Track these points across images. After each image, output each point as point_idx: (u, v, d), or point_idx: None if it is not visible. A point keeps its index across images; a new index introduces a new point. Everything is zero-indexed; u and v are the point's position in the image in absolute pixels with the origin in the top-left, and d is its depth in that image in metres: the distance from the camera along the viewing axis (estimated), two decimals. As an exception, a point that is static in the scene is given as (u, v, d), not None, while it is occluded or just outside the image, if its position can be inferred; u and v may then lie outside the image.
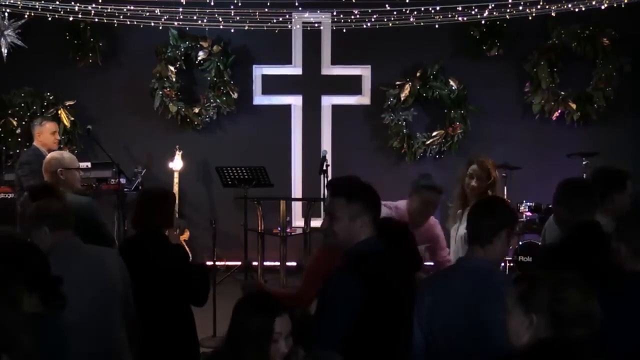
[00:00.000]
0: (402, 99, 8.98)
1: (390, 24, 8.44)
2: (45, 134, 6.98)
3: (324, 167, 6.85)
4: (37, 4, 8.05)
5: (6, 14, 8.59)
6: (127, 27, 8.68)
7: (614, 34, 8.81)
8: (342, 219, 3.23)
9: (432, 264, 5.03)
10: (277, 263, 8.19)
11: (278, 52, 9.25)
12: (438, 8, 8.36)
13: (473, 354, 2.96)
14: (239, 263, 8.11)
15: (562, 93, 8.96)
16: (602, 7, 8.12)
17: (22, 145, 8.86)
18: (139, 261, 4.15)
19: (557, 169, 8.66)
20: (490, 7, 8.24)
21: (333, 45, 9.22)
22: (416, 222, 4.77)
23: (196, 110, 9.06)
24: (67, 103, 9.03)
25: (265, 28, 8.68)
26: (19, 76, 8.94)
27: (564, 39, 8.88)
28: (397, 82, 9.02)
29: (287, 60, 9.28)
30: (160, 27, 8.63)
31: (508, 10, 8.21)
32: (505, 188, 7.65)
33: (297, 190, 9.27)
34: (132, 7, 8.26)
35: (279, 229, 8.16)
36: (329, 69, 9.30)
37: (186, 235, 8.72)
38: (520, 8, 8.15)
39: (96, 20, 8.43)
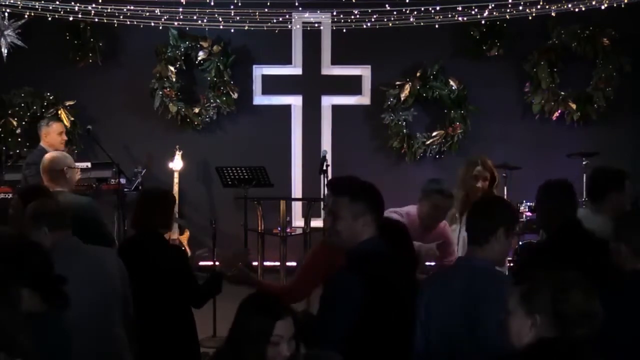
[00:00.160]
0: (402, 99, 8.98)
1: (390, 24, 8.44)
2: (52, 134, 6.98)
3: (324, 167, 6.85)
4: (37, 4, 8.05)
5: (6, 14, 8.59)
6: (127, 27, 8.68)
7: (614, 34, 8.81)
8: (345, 218, 3.24)
9: (433, 264, 5.04)
10: (277, 263, 8.18)
11: (278, 52, 9.25)
12: (438, 8, 8.36)
13: (469, 354, 2.96)
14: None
15: (562, 93, 8.96)
16: (602, 7, 8.12)
17: (22, 145, 8.86)
18: (138, 261, 4.15)
19: (557, 169, 8.63)
20: (490, 7, 8.24)
21: (333, 45, 9.22)
22: (427, 227, 4.79)
23: (196, 110, 9.06)
24: (67, 103, 9.03)
25: (265, 28, 8.68)
26: (19, 76, 8.94)
27: (564, 39, 8.88)
28: (397, 82, 9.02)
29: (287, 60, 9.28)
30: (160, 27, 8.63)
31: (508, 10, 8.21)
32: (505, 188, 7.65)
33: (297, 190, 9.27)
34: (132, 7, 8.26)
35: (279, 229, 8.15)
36: (329, 69, 9.30)
37: (186, 235, 8.73)
38: (520, 8, 8.16)
39: (96, 20, 8.43)
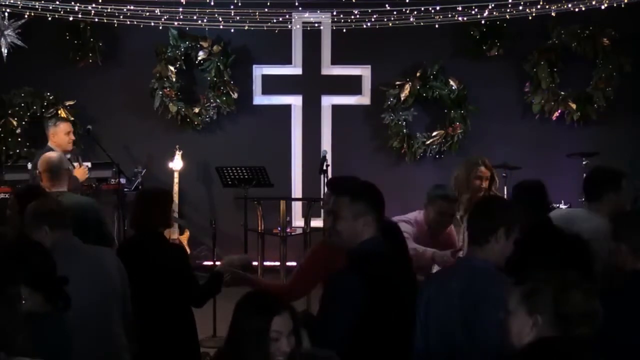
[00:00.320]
0: (402, 99, 8.98)
1: (390, 24, 8.44)
2: (59, 134, 6.98)
3: (324, 167, 6.85)
4: (37, 4, 8.05)
5: (6, 14, 8.59)
6: (127, 27, 8.68)
7: (614, 34, 8.81)
8: (346, 218, 3.24)
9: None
10: (277, 263, 8.18)
11: (278, 52, 9.25)
12: (438, 8, 8.36)
13: (469, 354, 2.96)
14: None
15: (562, 93, 8.96)
16: (602, 7, 8.12)
17: (22, 145, 8.87)
18: (139, 261, 4.16)
19: (557, 169, 8.68)
20: (490, 7, 8.24)
21: (333, 45, 9.22)
22: (435, 232, 4.80)
23: (196, 110, 9.06)
24: (67, 103, 9.03)
25: (265, 28, 8.68)
26: (19, 76, 8.94)
27: (564, 39, 8.89)
28: (397, 82, 9.02)
29: (287, 60, 9.28)
30: (160, 27, 8.63)
31: (508, 10, 8.21)
32: (505, 188, 7.65)
33: (297, 190, 9.27)
34: (132, 7, 8.26)
35: (279, 229, 8.14)
36: (329, 69, 9.30)
37: (186, 235, 8.73)
38: (520, 8, 8.16)
39: (96, 20, 8.43)
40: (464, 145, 8.96)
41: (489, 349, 2.76)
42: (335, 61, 9.27)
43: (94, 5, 8.20)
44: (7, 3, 8.09)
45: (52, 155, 5.30)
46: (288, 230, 8.25)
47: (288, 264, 7.97)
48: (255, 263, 7.97)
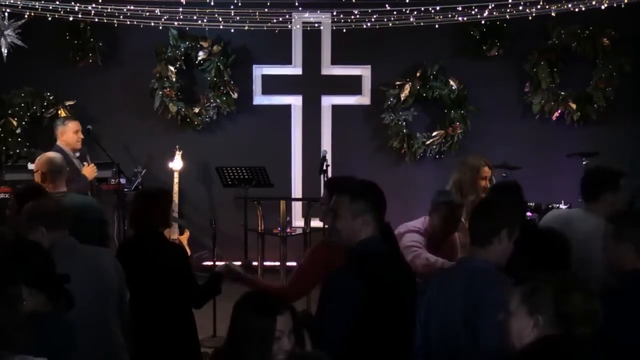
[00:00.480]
0: (402, 99, 8.98)
1: (390, 24, 8.44)
2: (68, 133, 6.98)
3: (324, 167, 6.85)
4: (37, 4, 8.04)
5: (6, 14, 8.58)
6: (127, 27, 8.68)
7: (614, 34, 8.81)
8: (345, 217, 3.24)
9: None
10: (277, 263, 8.18)
11: (278, 52, 9.25)
12: (438, 8, 8.36)
13: (469, 354, 2.96)
14: (239, 263, 8.09)
15: (562, 93, 8.96)
16: (602, 7, 8.12)
17: (22, 145, 8.87)
18: (138, 261, 4.16)
19: (557, 169, 8.69)
20: (490, 7, 8.24)
21: (333, 45, 9.22)
22: (439, 239, 4.79)
23: (196, 110, 9.06)
24: (67, 103, 9.02)
25: (265, 28, 8.68)
26: (19, 76, 8.94)
27: (564, 39, 8.89)
28: (397, 82, 9.02)
29: (287, 60, 9.28)
30: (160, 27, 8.63)
31: (508, 10, 8.21)
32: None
33: (297, 190, 9.27)
34: (132, 7, 8.25)
35: (279, 229, 8.14)
36: (329, 69, 9.30)
37: (186, 235, 8.73)
38: (520, 8, 8.15)
39: (96, 20, 8.43)
40: (464, 145, 8.96)
41: (490, 349, 2.76)
42: (335, 61, 9.26)
43: (94, 5, 8.20)
44: (7, 3, 8.09)
45: (53, 155, 5.30)
46: (288, 230, 8.25)
47: (288, 264, 7.97)
48: (255, 263, 7.99)
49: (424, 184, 8.91)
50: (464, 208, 4.92)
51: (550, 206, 7.61)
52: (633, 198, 4.50)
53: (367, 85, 9.25)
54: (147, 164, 9.02)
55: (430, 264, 4.50)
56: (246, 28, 8.63)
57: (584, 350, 2.24)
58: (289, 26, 8.93)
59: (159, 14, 8.35)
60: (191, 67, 9.24)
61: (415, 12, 8.35)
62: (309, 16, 9.01)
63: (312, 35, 9.15)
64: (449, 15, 8.38)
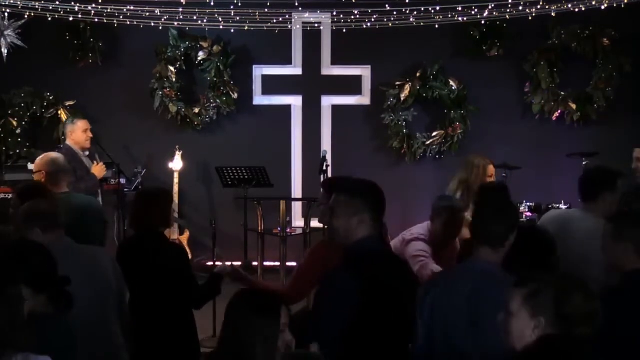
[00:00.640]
0: (402, 99, 8.98)
1: (390, 24, 8.44)
2: (77, 132, 6.98)
3: (324, 167, 6.84)
4: (37, 4, 8.04)
5: (6, 14, 8.58)
6: (127, 27, 8.68)
7: (614, 34, 8.81)
8: (342, 215, 3.25)
9: None
10: (277, 263, 8.19)
11: (278, 52, 9.25)
12: (438, 8, 8.36)
13: (473, 355, 2.95)
14: (239, 263, 8.09)
15: (562, 93, 8.96)
16: (602, 7, 8.11)
17: (22, 145, 8.87)
18: (138, 261, 4.16)
19: (557, 169, 8.69)
20: (490, 7, 8.24)
21: (333, 45, 9.22)
22: (441, 245, 4.77)
23: (196, 110, 9.06)
24: (67, 103, 9.02)
25: (265, 28, 8.68)
26: (19, 76, 8.94)
27: (564, 39, 8.89)
28: (397, 82, 9.02)
29: (287, 61, 9.28)
30: (160, 27, 8.63)
31: (508, 10, 8.21)
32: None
33: (297, 190, 9.27)
34: (132, 7, 8.25)
35: (279, 229, 8.15)
36: (329, 69, 9.30)
37: (186, 235, 8.73)
38: (520, 8, 8.15)
39: (96, 20, 8.43)
40: (464, 145, 8.96)
41: (496, 350, 2.75)
42: (335, 61, 9.27)
43: (94, 5, 8.20)
44: (7, 3, 8.08)
45: (56, 156, 5.28)
46: (288, 230, 8.26)
47: (288, 264, 7.97)
48: (255, 263, 7.99)
49: (424, 184, 8.92)
50: (465, 211, 4.91)
51: (550, 206, 7.61)
52: (626, 198, 4.50)
53: (367, 85, 9.25)
54: (147, 164, 9.02)
55: (435, 275, 4.48)
56: (246, 28, 8.63)
57: (584, 350, 2.25)
58: (289, 26, 8.93)
59: (159, 14, 8.34)
60: (191, 67, 9.23)
61: (415, 12, 8.35)
62: (309, 16, 9.01)
63: (312, 36, 9.15)
64: (449, 15, 8.38)
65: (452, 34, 8.98)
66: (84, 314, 3.38)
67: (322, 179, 6.77)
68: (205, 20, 8.53)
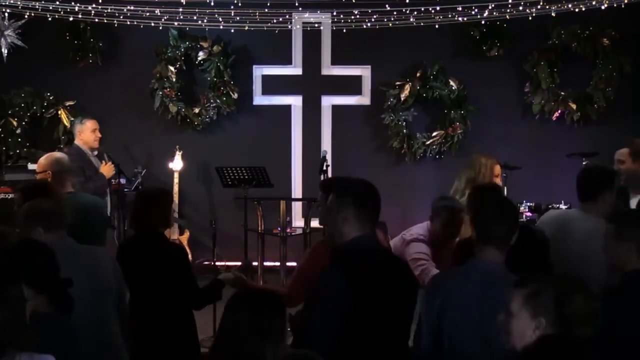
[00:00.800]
0: (402, 99, 8.98)
1: (390, 24, 8.44)
2: (86, 132, 7.01)
3: (324, 167, 6.84)
4: (37, 4, 8.04)
5: (6, 14, 8.58)
6: (127, 27, 8.68)
7: (614, 34, 8.81)
8: (334, 215, 3.26)
9: None
10: (277, 263, 8.18)
11: (278, 52, 9.25)
12: (438, 8, 8.36)
13: (484, 356, 2.94)
14: (239, 263, 8.09)
15: (562, 93, 8.96)
16: (602, 7, 8.11)
17: (22, 145, 8.87)
18: (138, 261, 4.16)
19: (557, 169, 8.69)
20: (490, 7, 8.24)
21: (333, 46, 9.22)
22: (442, 244, 4.77)
23: (196, 110, 9.06)
24: (67, 103, 9.02)
25: (265, 28, 8.68)
26: (19, 76, 8.94)
27: (564, 39, 8.89)
28: (397, 82, 9.02)
29: (287, 61, 9.28)
30: (160, 27, 8.62)
31: (508, 10, 8.21)
32: (505, 188, 7.65)
33: (297, 190, 9.27)
34: (132, 7, 8.25)
35: (279, 229, 8.15)
36: (329, 69, 9.30)
37: (186, 235, 8.73)
38: (520, 8, 8.15)
39: (96, 20, 8.43)
40: (464, 145, 8.96)
41: (502, 352, 2.75)
42: (335, 61, 9.26)
43: (94, 5, 8.19)
44: (7, 3, 8.08)
45: (60, 155, 5.27)
46: (288, 230, 8.26)
47: (288, 264, 7.97)
48: (255, 263, 7.99)
49: (424, 184, 8.92)
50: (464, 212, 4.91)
51: (550, 206, 7.61)
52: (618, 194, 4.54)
53: (367, 85, 9.24)
54: (147, 164, 9.02)
55: None
56: (246, 28, 8.63)
57: (584, 350, 2.25)
58: (289, 26, 8.93)
59: (159, 14, 8.34)
60: (191, 67, 9.23)
61: (415, 12, 8.35)
62: (309, 16, 9.01)
63: (312, 36, 9.15)
64: (449, 15, 8.38)
65: (452, 34, 8.98)
66: (83, 314, 3.38)
67: (322, 179, 6.78)
68: (205, 20, 8.53)
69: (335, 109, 9.33)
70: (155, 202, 4.29)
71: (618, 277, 3.32)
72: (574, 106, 8.92)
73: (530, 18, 8.36)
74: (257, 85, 9.30)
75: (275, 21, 8.63)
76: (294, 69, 9.29)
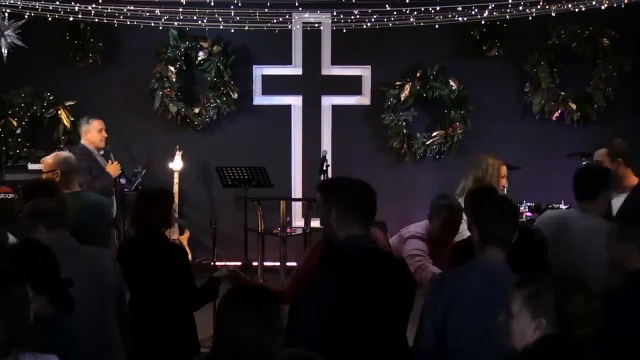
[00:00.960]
0: (402, 99, 8.98)
1: (390, 24, 8.44)
2: (92, 132, 7.01)
3: (324, 167, 6.84)
4: (37, 4, 8.04)
5: (6, 14, 8.58)
6: (127, 27, 8.68)
7: (614, 34, 8.81)
8: (324, 214, 3.27)
9: None
10: (277, 263, 8.19)
11: (278, 52, 9.25)
12: (438, 8, 8.36)
13: (487, 355, 2.94)
14: (239, 263, 8.10)
15: (562, 93, 8.96)
16: (602, 7, 8.11)
17: (22, 145, 8.87)
18: (139, 261, 4.16)
19: (557, 169, 8.68)
20: (490, 7, 8.24)
21: (333, 46, 9.22)
22: (440, 243, 4.76)
23: (196, 110, 9.06)
24: (67, 103, 9.03)
25: (265, 28, 8.68)
26: (19, 76, 8.94)
27: (564, 39, 8.89)
28: (397, 82, 9.02)
29: (287, 61, 9.28)
30: (160, 27, 8.63)
31: (508, 10, 8.20)
32: (505, 189, 7.64)
33: (297, 190, 9.27)
34: (132, 7, 8.25)
35: (279, 229, 8.15)
36: (329, 69, 9.30)
37: (186, 235, 8.73)
38: (520, 8, 8.15)
39: (96, 20, 8.43)
40: (464, 145, 8.96)
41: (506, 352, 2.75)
42: (335, 61, 9.27)
43: (94, 5, 8.19)
44: (7, 3, 8.08)
45: (68, 155, 5.26)
46: (288, 230, 8.26)
47: (288, 264, 7.97)
48: (255, 263, 7.99)
49: (423, 184, 8.92)
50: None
51: (550, 206, 7.62)
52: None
53: (367, 85, 9.25)
54: (147, 164, 9.02)
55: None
56: (246, 28, 8.63)
57: (584, 350, 2.25)
58: (289, 26, 8.93)
59: (159, 14, 8.34)
60: (191, 67, 9.24)
61: (415, 12, 8.35)
62: (309, 16, 9.01)
63: (312, 36, 9.15)
64: (449, 15, 8.38)
65: (452, 34, 8.98)
66: (84, 314, 3.38)
67: (322, 179, 6.78)
68: (205, 20, 8.53)
69: (335, 109, 9.33)
70: (156, 202, 4.29)
71: (620, 277, 3.32)
72: (574, 106, 8.92)
73: (530, 18, 8.36)
74: (257, 85, 9.30)
75: (275, 21, 8.63)
76: (294, 69, 9.30)
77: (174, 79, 9.01)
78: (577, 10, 8.16)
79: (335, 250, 3.19)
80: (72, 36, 8.97)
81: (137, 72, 9.06)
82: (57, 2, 8.12)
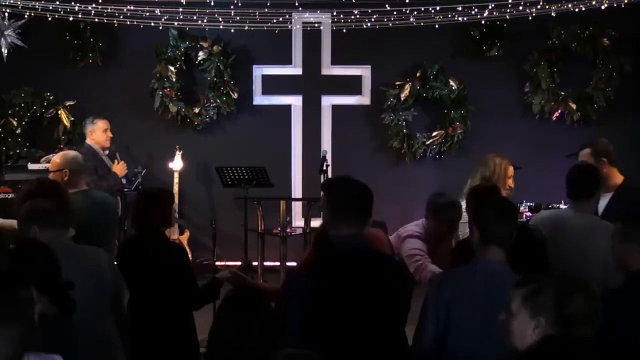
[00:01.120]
0: (402, 99, 8.98)
1: (390, 24, 8.43)
2: (97, 131, 7.03)
3: (324, 167, 6.85)
4: (37, 4, 8.04)
5: (6, 14, 8.58)
6: (127, 27, 8.67)
7: (614, 34, 8.81)
8: (324, 214, 3.28)
9: None
10: (277, 263, 8.19)
11: (278, 52, 9.25)
12: (438, 8, 8.35)
13: (488, 355, 2.94)
14: (239, 263, 8.09)
15: (562, 93, 8.96)
16: (602, 7, 8.11)
17: (22, 145, 8.86)
18: (139, 261, 4.16)
19: (557, 169, 8.64)
20: (490, 7, 8.24)
21: (333, 45, 9.22)
22: (437, 241, 4.75)
23: (196, 110, 9.06)
24: (67, 103, 9.02)
25: (265, 28, 8.68)
26: (19, 76, 8.93)
27: (564, 39, 8.89)
28: (397, 82, 9.02)
29: (287, 60, 9.28)
30: (160, 27, 8.62)
31: (508, 10, 8.20)
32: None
33: (297, 190, 9.27)
34: (132, 7, 8.25)
35: (279, 229, 8.15)
36: (329, 69, 9.30)
37: (186, 235, 8.73)
38: (520, 8, 8.15)
39: (96, 20, 8.43)
40: (464, 145, 8.96)
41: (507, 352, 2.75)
42: (335, 61, 9.27)
43: (94, 5, 8.19)
44: (7, 3, 8.08)
45: (76, 154, 5.25)
46: (288, 230, 8.26)
47: (288, 264, 7.97)
48: (255, 263, 7.99)
49: (423, 184, 8.90)
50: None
51: (550, 206, 7.61)
52: None
53: (367, 85, 9.25)
54: (147, 164, 9.01)
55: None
56: (246, 28, 8.63)
57: (584, 350, 2.25)
58: (289, 26, 8.93)
59: (159, 14, 8.34)
60: (191, 67, 9.24)
61: (415, 12, 8.35)
62: (309, 16, 9.01)
63: (312, 35, 9.15)
64: (449, 15, 8.38)
65: (452, 34, 8.98)
66: (82, 314, 3.37)
67: (322, 179, 6.78)
68: (205, 20, 8.53)
69: (335, 108, 9.33)
70: (156, 202, 4.29)
71: (623, 276, 3.32)
72: (574, 106, 8.92)
73: (530, 18, 8.36)
74: (257, 85, 9.30)
75: (275, 21, 8.63)
76: (294, 69, 9.30)
77: (174, 79, 9.01)
78: (577, 10, 8.16)
79: (323, 249, 3.19)
80: (72, 36, 8.97)
81: (137, 72, 9.06)
82: (57, 2, 8.12)
